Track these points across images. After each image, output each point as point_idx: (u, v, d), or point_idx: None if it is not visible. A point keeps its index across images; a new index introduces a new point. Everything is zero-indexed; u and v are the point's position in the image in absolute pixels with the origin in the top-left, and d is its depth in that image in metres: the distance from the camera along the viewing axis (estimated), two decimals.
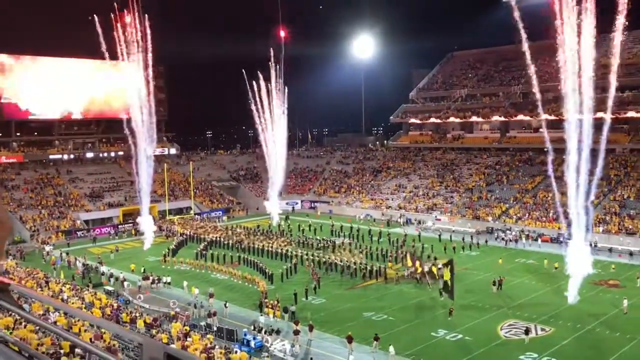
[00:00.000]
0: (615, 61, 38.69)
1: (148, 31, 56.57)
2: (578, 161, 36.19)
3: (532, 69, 44.94)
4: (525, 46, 42.07)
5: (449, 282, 35.59)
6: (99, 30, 54.83)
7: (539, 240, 54.36)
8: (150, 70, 58.12)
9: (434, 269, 41.02)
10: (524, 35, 41.58)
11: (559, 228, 55.99)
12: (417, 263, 41.23)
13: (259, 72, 68.17)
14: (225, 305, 35.42)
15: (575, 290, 35.36)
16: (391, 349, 27.74)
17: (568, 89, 36.64)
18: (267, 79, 68.72)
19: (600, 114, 39.48)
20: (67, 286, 36.51)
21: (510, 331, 31.27)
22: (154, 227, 59.90)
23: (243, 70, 67.20)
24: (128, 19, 55.94)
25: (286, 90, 69.78)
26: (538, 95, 47.90)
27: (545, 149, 40.62)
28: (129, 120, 58.00)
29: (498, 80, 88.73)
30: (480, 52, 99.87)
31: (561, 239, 53.43)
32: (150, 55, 57.80)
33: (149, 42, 57.31)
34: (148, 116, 57.99)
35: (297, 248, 50.22)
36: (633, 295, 36.57)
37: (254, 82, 68.18)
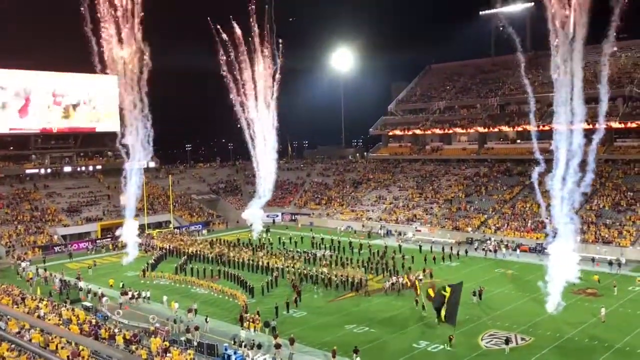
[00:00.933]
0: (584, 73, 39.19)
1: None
2: (566, 171, 36.38)
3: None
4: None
5: (450, 305, 32.04)
6: (93, 43, 54.19)
7: (518, 250, 54.83)
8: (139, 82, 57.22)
9: (417, 283, 41.12)
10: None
11: (537, 238, 56.65)
12: (431, 289, 34.98)
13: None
14: (206, 320, 35.07)
15: (556, 300, 35.70)
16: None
17: (559, 100, 36.80)
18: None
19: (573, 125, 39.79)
20: (44, 302, 35.86)
21: (491, 341, 31.42)
22: (137, 239, 58.82)
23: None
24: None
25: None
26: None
27: (538, 159, 40.59)
28: (111, 134, 56.76)
29: (475, 93, 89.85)
30: (457, 64, 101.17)
31: (539, 249, 54.08)
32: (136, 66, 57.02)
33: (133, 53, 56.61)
34: (137, 130, 57.02)
35: (278, 261, 49.98)
36: (610, 304, 37.06)
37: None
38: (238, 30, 62.89)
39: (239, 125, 65.70)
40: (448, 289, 32.29)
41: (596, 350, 29.73)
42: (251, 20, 62.16)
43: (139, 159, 57.69)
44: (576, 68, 35.79)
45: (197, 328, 32.88)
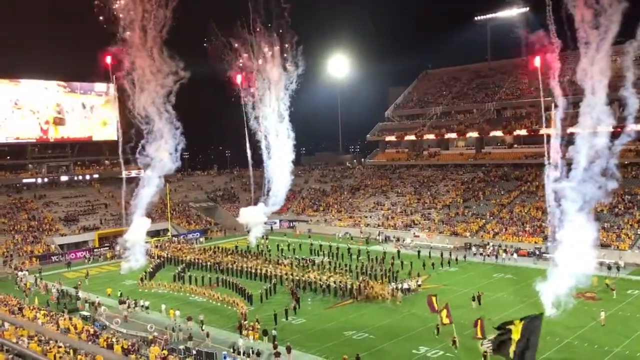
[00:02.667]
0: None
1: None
2: (561, 175, 36.31)
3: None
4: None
5: (523, 343, 24.15)
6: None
7: (516, 254, 54.75)
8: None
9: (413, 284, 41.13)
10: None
11: (535, 242, 56.67)
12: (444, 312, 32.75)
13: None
14: (201, 327, 34.94)
15: (555, 305, 35.71)
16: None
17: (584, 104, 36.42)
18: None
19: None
20: (42, 312, 35.72)
21: (491, 346, 31.25)
22: (144, 244, 58.25)
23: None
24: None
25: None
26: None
27: (548, 163, 40.34)
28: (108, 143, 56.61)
29: (472, 97, 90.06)
30: (454, 69, 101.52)
31: (537, 253, 54.08)
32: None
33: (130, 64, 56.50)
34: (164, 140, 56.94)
35: (277, 268, 49.87)
36: (610, 307, 37.02)
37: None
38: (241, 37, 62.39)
39: (250, 131, 65.18)
40: (518, 323, 24.44)
41: (596, 354, 29.67)
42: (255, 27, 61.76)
43: (158, 168, 57.30)
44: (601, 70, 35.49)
45: (207, 334, 33.02)
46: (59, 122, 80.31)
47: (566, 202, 36.00)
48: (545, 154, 47.23)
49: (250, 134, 66.68)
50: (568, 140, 40.39)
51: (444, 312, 32.57)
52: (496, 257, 54.25)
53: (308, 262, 52.39)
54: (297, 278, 46.10)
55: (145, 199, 57.56)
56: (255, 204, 67.35)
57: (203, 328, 35.17)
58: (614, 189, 37.16)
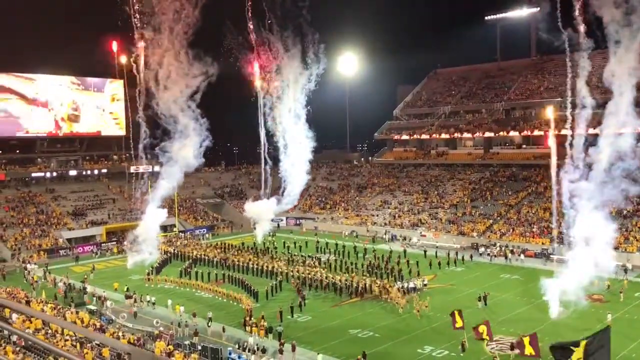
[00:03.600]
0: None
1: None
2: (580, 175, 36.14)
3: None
4: None
5: None
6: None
7: (523, 255, 54.54)
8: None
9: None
10: None
11: (542, 243, 56.45)
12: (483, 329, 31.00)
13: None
14: (208, 323, 35.06)
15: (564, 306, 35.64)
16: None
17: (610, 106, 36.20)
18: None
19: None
20: (49, 305, 35.94)
21: (496, 346, 31.25)
22: (156, 240, 57.87)
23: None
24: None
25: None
26: None
27: (570, 163, 40.04)
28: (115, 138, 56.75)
29: (481, 97, 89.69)
30: (463, 69, 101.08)
31: (545, 254, 53.88)
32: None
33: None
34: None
35: (283, 265, 49.95)
36: (617, 310, 36.84)
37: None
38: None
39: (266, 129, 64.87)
40: (582, 343, 22.41)
41: None
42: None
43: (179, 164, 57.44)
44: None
45: (223, 329, 33.39)
46: (74, 119, 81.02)
47: (582, 202, 35.64)
48: (552, 154, 47.00)
49: (265, 131, 66.34)
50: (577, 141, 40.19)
51: (483, 328, 30.74)
52: (506, 257, 53.97)
53: (314, 259, 52.44)
54: (303, 275, 46.15)
55: (164, 191, 57.75)
56: (268, 199, 67.04)
57: (209, 325, 35.24)
58: (626, 192, 36.95)
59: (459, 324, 32.01)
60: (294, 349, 30.31)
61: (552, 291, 36.28)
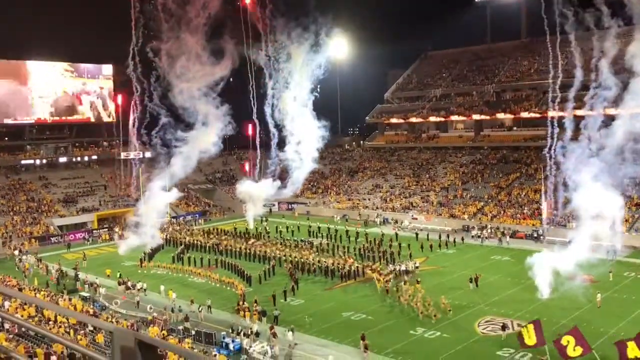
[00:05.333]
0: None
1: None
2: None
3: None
4: None
5: None
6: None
7: (509, 237, 54.81)
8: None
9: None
10: None
11: (533, 225, 56.87)
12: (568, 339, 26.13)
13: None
14: (199, 309, 35.13)
15: (549, 285, 36.04)
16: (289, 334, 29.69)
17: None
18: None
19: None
20: (42, 293, 35.92)
21: (488, 327, 31.61)
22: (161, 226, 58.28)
23: None
24: None
25: None
26: None
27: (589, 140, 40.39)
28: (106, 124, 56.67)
29: (471, 80, 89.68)
30: (453, 52, 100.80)
31: (535, 235, 54.30)
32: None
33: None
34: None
35: (276, 249, 50.12)
36: (606, 289, 37.27)
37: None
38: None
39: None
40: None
41: (591, 335, 29.83)
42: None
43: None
44: None
45: (187, 319, 32.97)
46: (64, 105, 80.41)
47: (587, 179, 35.97)
48: (549, 135, 47.20)
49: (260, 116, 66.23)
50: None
51: (570, 339, 25.91)
52: (500, 240, 54.20)
53: (306, 243, 52.61)
54: (296, 260, 46.31)
55: (178, 173, 58.62)
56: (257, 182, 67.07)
57: (210, 311, 35.34)
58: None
59: (531, 340, 26.95)
60: (292, 332, 30.40)
61: (542, 272, 36.65)
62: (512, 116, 77.79)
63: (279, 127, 65.40)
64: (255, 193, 64.27)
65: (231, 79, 62.74)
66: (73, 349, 3.05)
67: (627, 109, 37.18)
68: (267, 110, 64.58)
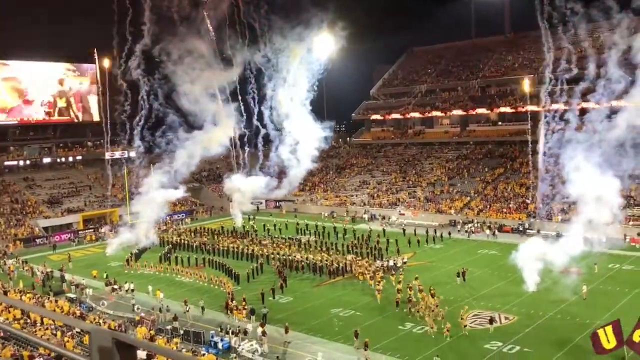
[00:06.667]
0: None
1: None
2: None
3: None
4: None
5: None
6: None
7: (500, 231, 55.23)
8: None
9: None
10: None
11: (519, 219, 57.27)
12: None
13: None
14: (187, 309, 34.90)
15: (536, 278, 36.35)
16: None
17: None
18: None
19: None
20: (28, 295, 35.57)
21: (475, 321, 31.79)
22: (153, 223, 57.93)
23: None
24: None
25: None
26: None
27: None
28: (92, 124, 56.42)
29: (456, 75, 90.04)
30: (438, 47, 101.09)
31: (521, 229, 54.71)
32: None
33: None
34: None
35: (263, 247, 50.07)
36: (592, 281, 37.65)
37: None
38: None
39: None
40: None
41: (578, 327, 30.23)
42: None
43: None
44: None
45: (176, 318, 32.82)
46: (53, 106, 79.69)
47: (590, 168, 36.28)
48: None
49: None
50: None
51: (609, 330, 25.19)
52: (494, 234, 54.41)
53: (294, 241, 52.61)
54: (284, 257, 46.27)
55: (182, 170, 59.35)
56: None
57: (203, 312, 35.20)
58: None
59: (611, 344, 24.94)
60: (287, 331, 30.29)
61: (529, 263, 36.96)
62: (499, 111, 78.16)
63: (265, 125, 65.52)
64: (244, 188, 64.14)
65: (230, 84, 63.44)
66: (54, 351, 3.01)
67: (631, 102, 37.58)
68: (254, 107, 64.77)
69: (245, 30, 61.23)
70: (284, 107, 64.54)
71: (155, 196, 56.53)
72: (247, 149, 67.93)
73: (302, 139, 65.25)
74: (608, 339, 24.75)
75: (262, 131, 66.73)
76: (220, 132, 60.36)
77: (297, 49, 63.61)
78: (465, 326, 30.42)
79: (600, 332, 25.13)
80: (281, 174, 68.66)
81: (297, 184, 71.27)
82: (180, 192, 60.68)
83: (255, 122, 66.62)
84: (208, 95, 60.33)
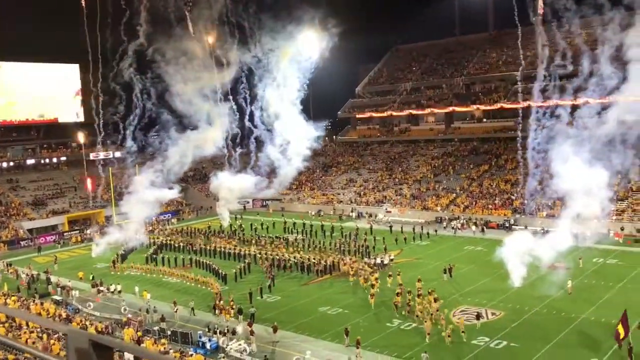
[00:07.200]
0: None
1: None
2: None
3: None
4: None
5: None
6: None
7: (487, 227, 55.65)
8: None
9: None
10: None
11: (505, 215, 57.70)
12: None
13: None
14: (175, 310, 34.77)
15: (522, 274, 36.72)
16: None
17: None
18: None
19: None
20: (13, 298, 35.24)
21: (463, 317, 31.99)
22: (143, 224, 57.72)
23: None
24: None
25: None
26: None
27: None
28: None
29: (441, 73, 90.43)
30: (423, 45, 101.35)
31: (507, 225, 55.13)
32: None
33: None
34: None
35: (251, 247, 50.00)
36: (576, 276, 38.05)
37: None
38: None
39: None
40: None
41: (563, 321, 30.58)
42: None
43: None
44: None
45: (163, 319, 32.65)
46: (35, 107, 78.90)
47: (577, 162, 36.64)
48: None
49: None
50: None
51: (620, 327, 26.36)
52: (482, 230, 54.76)
53: (282, 240, 52.61)
54: (272, 257, 46.24)
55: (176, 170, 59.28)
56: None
57: (193, 314, 35.07)
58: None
59: (622, 334, 26.24)
60: (275, 331, 30.27)
61: (514, 258, 37.30)
62: (483, 107, 78.61)
63: (256, 125, 65.62)
64: (231, 186, 63.92)
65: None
66: (32, 354, 3.00)
67: (621, 97, 38.05)
68: (246, 107, 64.92)
69: (235, 30, 61.04)
70: (274, 107, 64.48)
71: (147, 196, 56.16)
72: (238, 149, 67.74)
73: (293, 138, 65.18)
74: (622, 331, 26.03)
75: (254, 131, 66.58)
76: (212, 132, 60.16)
77: (285, 48, 63.56)
78: (464, 332, 29.22)
79: (619, 327, 26.18)
80: (271, 173, 68.54)
81: (288, 183, 71.26)
82: (174, 192, 60.20)
83: (247, 122, 66.58)
84: (200, 96, 60.20)
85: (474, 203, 62.21)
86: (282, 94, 64.49)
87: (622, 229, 49.76)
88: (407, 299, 33.91)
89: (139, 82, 57.49)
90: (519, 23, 46.79)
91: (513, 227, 54.17)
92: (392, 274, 39.21)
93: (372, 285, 36.57)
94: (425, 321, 29.80)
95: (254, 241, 53.09)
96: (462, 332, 29.27)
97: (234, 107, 64.63)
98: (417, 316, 31.68)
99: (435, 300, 32.92)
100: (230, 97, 64.68)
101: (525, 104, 58.42)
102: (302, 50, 64.92)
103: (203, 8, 58.57)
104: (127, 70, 56.61)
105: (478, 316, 31.10)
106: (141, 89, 57.90)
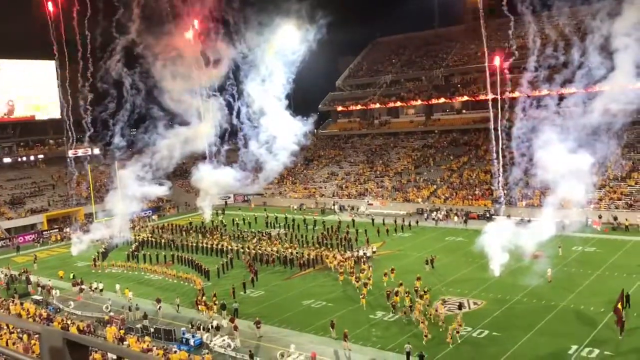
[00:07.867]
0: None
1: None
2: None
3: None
4: None
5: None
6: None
7: (467, 218, 56.14)
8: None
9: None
10: None
11: (485, 205, 58.22)
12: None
13: None
14: (159, 307, 34.55)
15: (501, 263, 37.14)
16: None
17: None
18: None
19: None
20: None
21: (445, 307, 32.23)
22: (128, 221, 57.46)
23: None
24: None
25: None
26: None
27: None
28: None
29: (420, 65, 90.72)
30: (402, 37, 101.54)
31: (487, 215, 55.66)
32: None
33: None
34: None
35: (233, 242, 49.86)
36: (556, 264, 38.54)
37: None
38: None
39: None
40: None
41: (543, 309, 30.98)
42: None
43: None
44: None
45: (146, 317, 32.41)
46: (9, 105, 77.51)
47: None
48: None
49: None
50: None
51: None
52: (465, 221, 55.15)
53: (264, 235, 52.52)
54: (255, 251, 46.17)
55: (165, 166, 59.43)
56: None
57: (179, 311, 34.86)
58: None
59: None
60: (258, 326, 30.18)
61: (493, 250, 37.68)
62: (462, 99, 79.12)
63: (242, 121, 65.63)
64: (212, 179, 63.62)
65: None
66: (9, 355, 2.96)
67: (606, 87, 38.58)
68: (233, 102, 64.90)
69: (220, 25, 60.85)
70: (259, 102, 64.51)
71: (134, 192, 55.80)
72: (225, 146, 67.66)
73: (279, 133, 65.15)
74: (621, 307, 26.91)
75: (240, 126, 66.46)
76: (200, 128, 60.02)
77: (269, 42, 63.49)
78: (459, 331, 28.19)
79: (619, 305, 26.91)
80: (257, 169, 68.44)
81: (273, 178, 71.21)
82: (164, 189, 59.75)
83: (234, 117, 66.38)
84: (188, 92, 60.08)
85: (455, 194, 62.66)
86: (267, 89, 64.34)
87: (600, 217, 50.48)
88: (406, 302, 32.23)
89: (124, 78, 56.94)
90: (496, 15, 47.02)
91: (493, 217, 54.68)
92: (387, 272, 38.21)
93: (365, 284, 35.66)
94: (422, 323, 29.01)
95: (235, 236, 52.96)
96: (442, 322, 29.39)
97: (224, 102, 64.53)
98: (416, 318, 30.42)
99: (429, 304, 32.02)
100: (218, 94, 64.55)
101: (503, 95, 58.80)
102: (285, 44, 64.47)
103: (189, 4, 58.35)
104: (105, 66, 56.05)
105: (460, 306, 31.38)
106: (129, 86, 57.43)
